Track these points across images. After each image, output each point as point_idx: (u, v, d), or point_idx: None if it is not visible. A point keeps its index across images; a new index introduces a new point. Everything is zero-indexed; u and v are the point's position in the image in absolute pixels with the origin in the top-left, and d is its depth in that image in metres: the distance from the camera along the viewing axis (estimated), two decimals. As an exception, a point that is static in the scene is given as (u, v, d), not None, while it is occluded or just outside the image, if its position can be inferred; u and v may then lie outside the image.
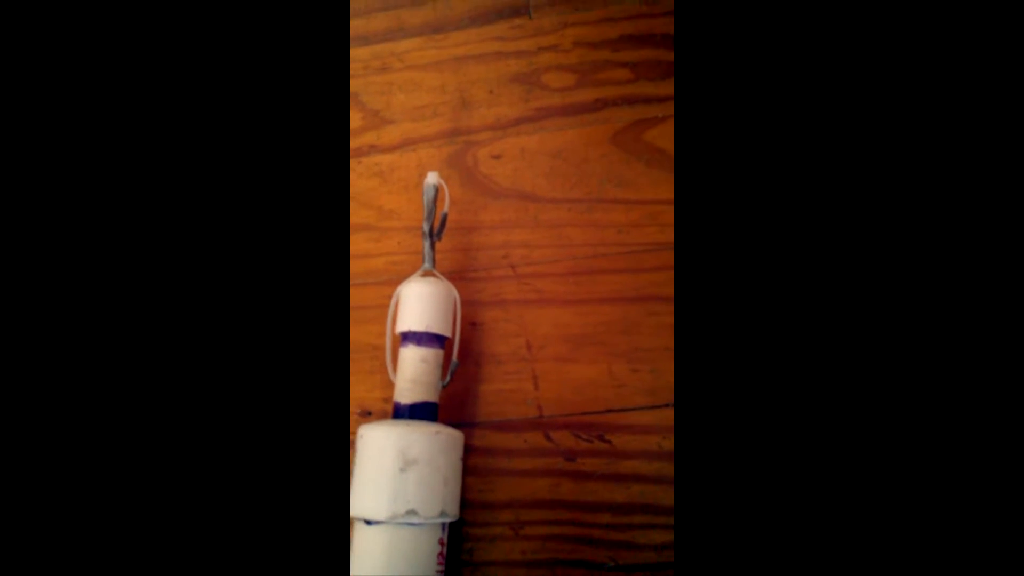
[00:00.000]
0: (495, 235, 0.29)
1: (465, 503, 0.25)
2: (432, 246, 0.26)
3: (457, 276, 0.28)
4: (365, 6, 0.34)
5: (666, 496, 0.24)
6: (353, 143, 0.32)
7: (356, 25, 0.34)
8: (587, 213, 0.28)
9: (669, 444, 0.25)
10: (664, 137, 0.28)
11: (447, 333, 0.25)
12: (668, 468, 0.24)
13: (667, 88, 0.29)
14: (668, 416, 0.25)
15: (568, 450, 0.25)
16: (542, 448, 0.25)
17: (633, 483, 0.24)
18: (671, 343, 0.26)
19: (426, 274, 0.26)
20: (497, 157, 0.30)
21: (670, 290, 0.26)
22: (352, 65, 0.33)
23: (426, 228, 0.25)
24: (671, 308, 0.26)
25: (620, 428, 0.25)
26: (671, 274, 0.26)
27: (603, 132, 0.29)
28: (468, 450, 0.26)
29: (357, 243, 0.30)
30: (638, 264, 0.27)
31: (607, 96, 0.30)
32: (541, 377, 0.26)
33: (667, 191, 0.28)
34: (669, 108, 0.29)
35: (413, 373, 0.24)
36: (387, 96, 0.32)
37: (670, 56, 0.29)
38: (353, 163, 0.31)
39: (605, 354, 0.26)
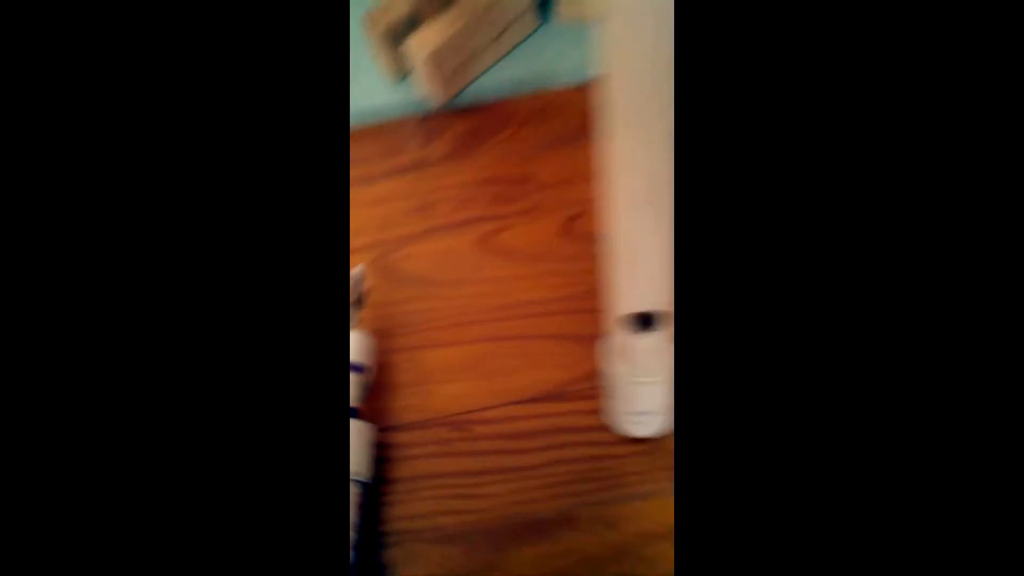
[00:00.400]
0: (402, 307, 0.43)
1: (380, 480, 0.38)
2: (356, 312, 0.40)
3: (376, 334, 0.42)
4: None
5: (506, 461, 0.37)
6: (311, 255, 0.47)
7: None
8: (462, 289, 0.43)
9: (506, 428, 0.38)
10: (509, 240, 0.44)
11: (365, 363, 0.39)
12: (504, 444, 0.37)
13: (511, 208, 0.45)
14: (506, 412, 0.38)
15: (446, 440, 0.38)
16: (429, 440, 0.38)
17: (484, 456, 0.37)
18: (514, 365, 0.40)
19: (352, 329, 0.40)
20: (406, 258, 0.45)
21: (513, 332, 0.41)
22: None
23: (352, 299, 0.40)
24: (514, 345, 0.40)
25: (478, 421, 0.38)
26: (515, 322, 0.41)
27: (473, 238, 0.45)
28: (381, 446, 0.39)
29: (312, 319, 0.44)
30: (495, 317, 0.42)
31: (475, 215, 0.46)
32: (429, 395, 0.40)
33: (510, 272, 0.43)
34: (512, 222, 0.45)
35: (341, 389, 0.38)
36: (334, 223, 0.48)
37: (510, 191, 0.46)
38: (310, 267, 0.46)
39: (472, 376, 0.40)
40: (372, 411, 0.40)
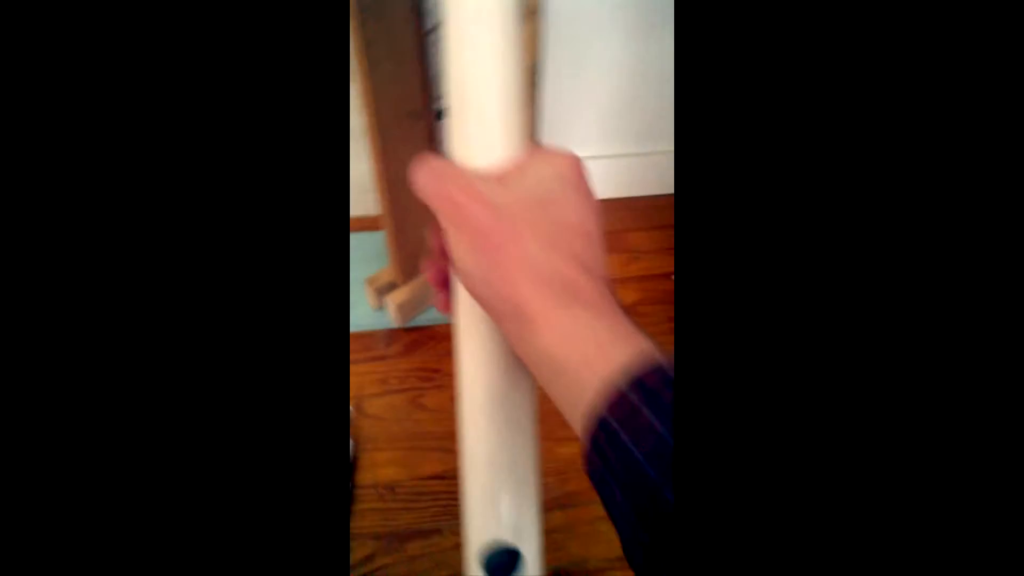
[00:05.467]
0: (365, 430, 0.84)
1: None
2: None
3: (353, 440, 0.82)
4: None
5: (410, 504, 0.76)
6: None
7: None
8: (399, 424, 0.84)
9: (413, 491, 0.77)
10: (427, 401, 0.87)
11: (350, 453, 0.78)
12: (412, 498, 0.76)
13: (429, 384, 0.89)
14: (413, 483, 0.78)
15: (381, 494, 0.77)
16: (371, 494, 0.77)
17: (400, 502, 0.76)
18: (420, 460, 0.80)
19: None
20: (370, 406, 0.87)
21: (422, 445, 0.82)
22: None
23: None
24: (420, 452, 0.81)
25: (398, 486, 0.77)
26: (422, 440, 0.82)
27: (407, 399, 0.87)
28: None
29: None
30: (413, 437, 0.83)
31: (409, 387, 0.89)
32: (374, 472, 0.79)
33: (425, 417, 0.85)
34: (429, 392, 0.88)
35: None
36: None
37: (431, 375, 0.90)
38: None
39: (397, 466, 0.80)
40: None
